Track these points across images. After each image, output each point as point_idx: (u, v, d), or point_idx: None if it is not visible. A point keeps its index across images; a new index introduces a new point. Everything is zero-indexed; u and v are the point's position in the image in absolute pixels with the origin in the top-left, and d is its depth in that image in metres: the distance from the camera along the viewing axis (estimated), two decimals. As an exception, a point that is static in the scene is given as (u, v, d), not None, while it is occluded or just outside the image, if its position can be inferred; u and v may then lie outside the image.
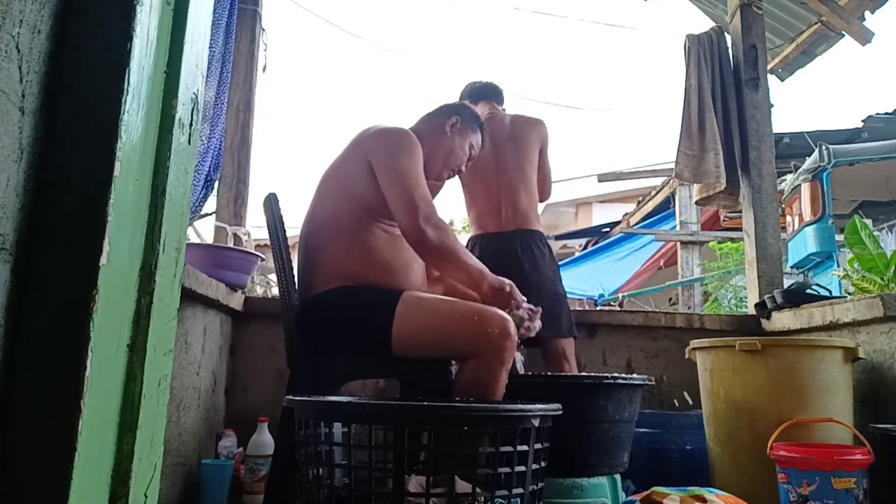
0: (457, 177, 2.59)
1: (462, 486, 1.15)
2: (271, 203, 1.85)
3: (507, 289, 1.71)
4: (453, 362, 1.74)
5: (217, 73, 2.68)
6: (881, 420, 1.98)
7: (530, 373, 2.08)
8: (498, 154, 2.55)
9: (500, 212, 2.52)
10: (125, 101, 0.61)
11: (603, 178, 8.70)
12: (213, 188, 2.81)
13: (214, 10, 2.54)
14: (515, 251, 2.45)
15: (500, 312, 1.62)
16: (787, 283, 3.08)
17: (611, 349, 2.84)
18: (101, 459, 0.60)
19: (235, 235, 3.03)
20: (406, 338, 1.61)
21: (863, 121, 6.39)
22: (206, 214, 3.27)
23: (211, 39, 2.50)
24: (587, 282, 7.52)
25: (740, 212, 3.28)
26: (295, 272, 1.85)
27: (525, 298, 1.75)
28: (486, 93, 2.74)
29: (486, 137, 2.09)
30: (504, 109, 2.77)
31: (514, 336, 1.59)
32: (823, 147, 5.29)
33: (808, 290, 2.58)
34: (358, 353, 1.69)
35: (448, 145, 1.95)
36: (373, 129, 1.84)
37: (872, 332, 2.13)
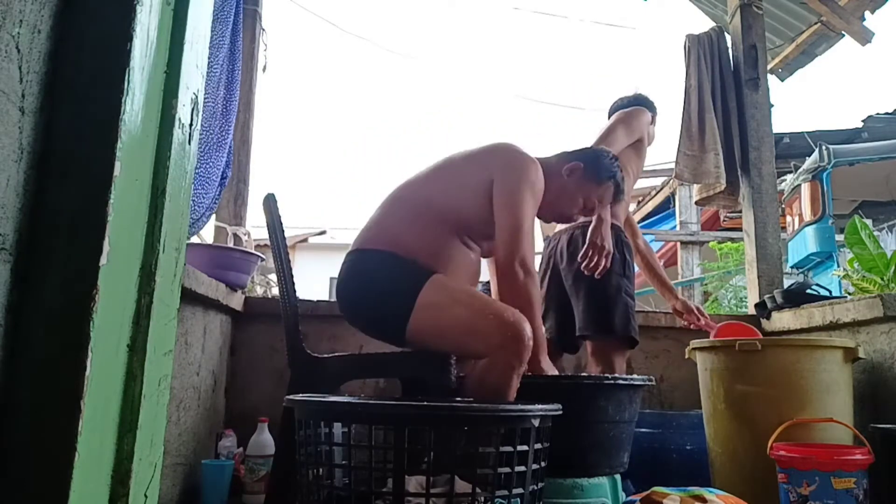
0: None
1: (462, 486, 1.15)
2: (270, 203, 1.85)
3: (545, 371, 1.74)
4: (453, 360, 1.74)
5: (228, 70, 2.67)
6: (881, 420, 1.97)
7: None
8: None
9: None
10: (125, 101, 0.61)
11: (603, 178, 8.68)
12: (226, 184, 2.80)
13: (221, 8, 2.54)
14: (562, 247, 2.41)
15: (520, 316, 1.59)
16: (787, 283, 3.08)
17: (611, 349, 2.84)
18: (101, 459, 0.60)
19: (235, 235, 3.03)
20: (422, 320, 1.60)
21: (863, 121, 6.39)
22: (206, 214, 3.26)
23: (220, 37, 2.50)
24: (587, 282, 7.49)
25: (740, 212, 3.29)
26: (295, 272, 1.85)
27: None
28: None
29: (621, 190, 1.98)
30: (653, 118, 2.67)
31: (528, 343, 1.56)
32: (823, 147, 5.29)
33: (808, 290, 2.58)
34: (374, 324, 1.71)
35: (558, 187, 1.87)
36: (507, 147, 1.81)
37: (872, 332, 2.13)
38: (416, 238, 1.71)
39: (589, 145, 2.27)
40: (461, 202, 1.75)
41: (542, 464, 1.26)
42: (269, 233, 1.84)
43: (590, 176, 1.90)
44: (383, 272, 1.68)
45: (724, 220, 6.91)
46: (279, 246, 1.81)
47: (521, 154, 1.80)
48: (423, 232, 1.72)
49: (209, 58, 2.28)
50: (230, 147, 2.73)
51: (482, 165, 1.78)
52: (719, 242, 7.16)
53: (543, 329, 1.76)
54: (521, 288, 1.67)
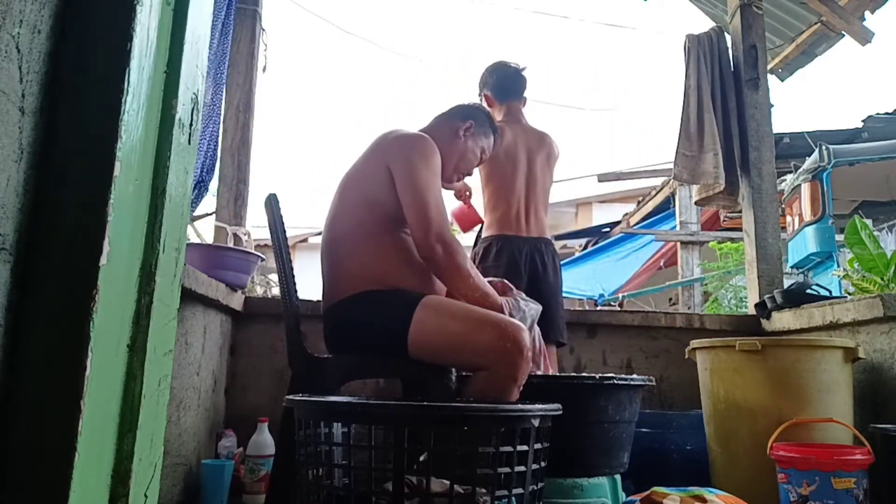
0: (480, 177, 2.60)
1: (437, 485, 1.14)
2: (272, 203, 1.85)
3: (507, 310, 1.74)
4: (453, 370, 1.74)
5: (212, 75, 2.67)
6: (881, 420, 1.97)
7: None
8: (530, 164, 2.60)
9: (526, 217, 2.56)
10: (125, 101, 0.61)
11: (603, 178, 8.70)
12: (206, 190, 2.79)
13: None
14: (542, 256, 2.52)
15: (518, 324, 1.60)
16: (787, 283, 3.08)
17: (611, 349, 2.84)
18: (101, 459, 0.60)
19: (235, 235, 3.02)
20: (421, 341, 1.61)
21: (863, 121, 6.38)
22: (207, 214, 3.26)
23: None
24: (587, 282, 7.52)
25: (740, 212, 3.28)
26: (296, 273, 1.85)
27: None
28: (517, 90, 2.69)
29: (498, 142, 2.08)
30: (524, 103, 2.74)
31: (528, 353, 1.56)
32: (823, 147, 5.28)
33: (808, 290, 2.58)
34: (379, 354, 1.71)
35: (461, 149, 1.94)
36: (392, 134, 1.83)
37: (872, 332, 2.13)
38: (374, 260, 1.72)
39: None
40: (380, 195, 1.74)
41: (542, 464, 1.26)
42: (270, 233, 1.84)
43: (482, 130, 1.99)
44: (373, 312, 1.68)
45: (724, 220, 6.91)
46: (281, 246, 1.81)
47: (407, 133, 1.82)
48: (375, 251, 1.73)
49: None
50: (212, 153, 2.73)
51: (375, 158, 1.79)
52: (719, 242, 7.16)
53: (486, 283, 1.77)
54: (444, 262, 1.67)
